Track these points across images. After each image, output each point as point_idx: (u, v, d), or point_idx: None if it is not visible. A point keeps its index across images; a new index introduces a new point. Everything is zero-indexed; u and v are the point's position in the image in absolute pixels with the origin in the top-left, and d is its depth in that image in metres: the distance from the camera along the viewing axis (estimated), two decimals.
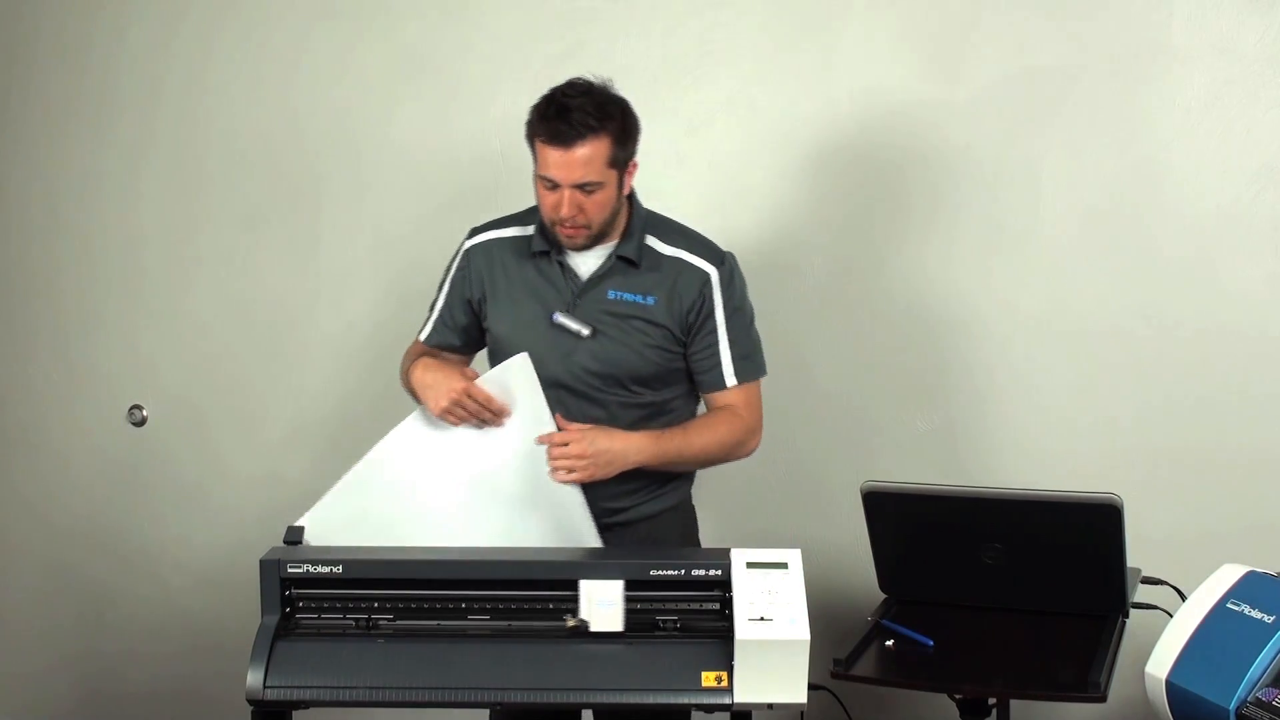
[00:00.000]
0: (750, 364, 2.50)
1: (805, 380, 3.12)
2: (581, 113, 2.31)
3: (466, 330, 2.57)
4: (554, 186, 2.34)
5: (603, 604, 2.10)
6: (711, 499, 3.11)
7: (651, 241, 2.46)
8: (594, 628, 2.09)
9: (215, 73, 3.30)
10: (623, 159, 2.38)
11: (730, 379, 2.47)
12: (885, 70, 3.00)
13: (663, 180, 3.11)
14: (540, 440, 2.38)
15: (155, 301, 3.39)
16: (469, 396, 2.35)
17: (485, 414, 2.37)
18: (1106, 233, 2.94)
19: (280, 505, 3.27)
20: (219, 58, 3.30)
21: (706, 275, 2.45)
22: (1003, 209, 2.99)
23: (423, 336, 2.59)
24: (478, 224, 2.57)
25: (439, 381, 2.38)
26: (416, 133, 3.22)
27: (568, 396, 2.44)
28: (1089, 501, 2.26)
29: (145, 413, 3.42)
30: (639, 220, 2.47)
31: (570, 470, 2.37)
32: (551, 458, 2.37)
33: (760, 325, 3.05)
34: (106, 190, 3.39)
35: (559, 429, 2.39)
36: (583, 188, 2.33)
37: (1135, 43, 2.89)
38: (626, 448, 2.39)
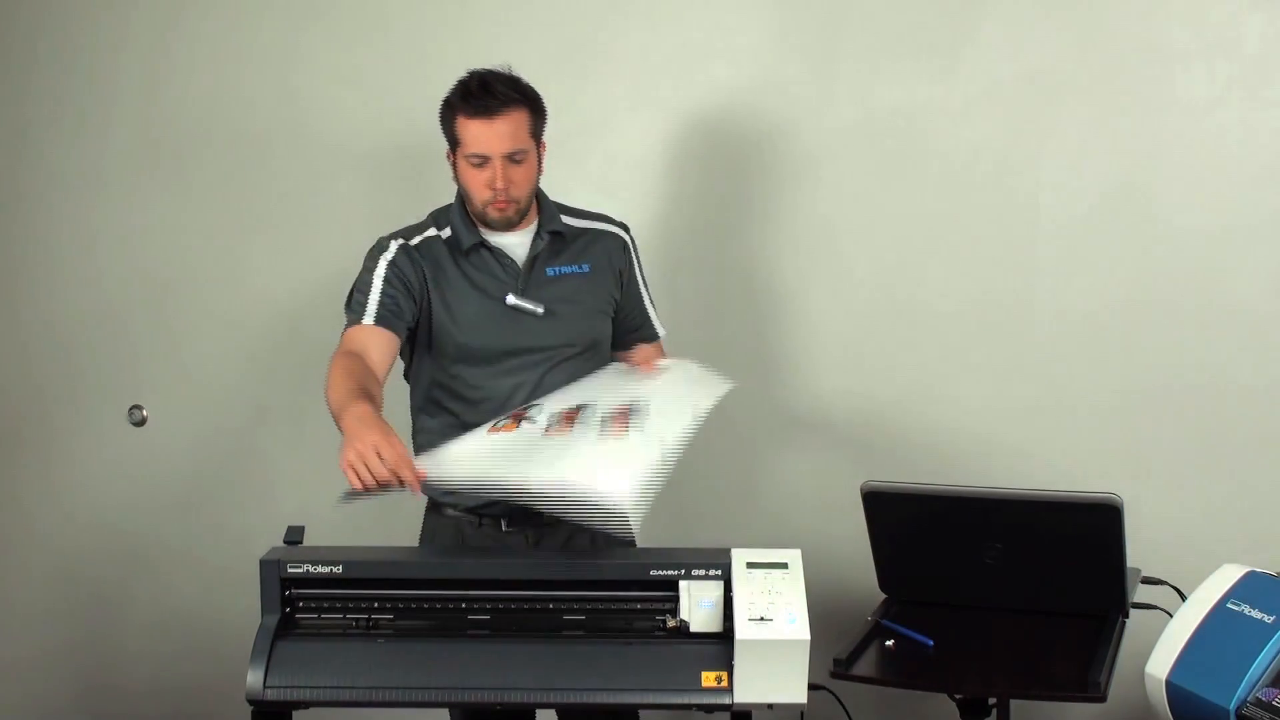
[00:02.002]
0: (658, 318, 2.71)
1: (805, 380, 3.12)
2: (502, 85, 2.43)
3: (408, 310, 2.46)
4: (483, 162, 2.43)
5: (703, 604, 2.10)
6: (712, 499, 3.12)
7: (565, 219, 2.59)
8: (695, 628, 2.10)
9: (215, 73, 3.30)
10: (539, 132, 2.49)
11: (661, 330, 2.69)
12: (885, 70, 3.00)
13: (662, 180, 3.12)
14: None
15: (155, 301, 3.39)
16: (378, 455, 2.10)
17: (392, 479, 2.11)
18: (1107, 233, 2.94)
19: (280, 505, 3.29)
20: (219, 59, 3.30)
21: (624, 240, 2.63)
22: (1003, 209, 2.99)
23: (367, 319, 2.43)
24: (384, 235, 2.53)
25: (364, 427, 2.16)
26: (415, 133, 3.22)
27: (532, 378, 2.50)
28: (1089, 501, 2.26)
29: (145, 413, 3.42)
30: (548, 201, 2.59)
31: None
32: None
33: (759, 324, 3.07)
34: (106, 190, 3.38)
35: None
36: (511, 157, 2.43)
37: (1135, 43, 2.89)
38: None
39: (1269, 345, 2.87)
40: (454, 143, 2.47)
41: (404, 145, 3.25)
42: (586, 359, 2.57)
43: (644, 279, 2.67)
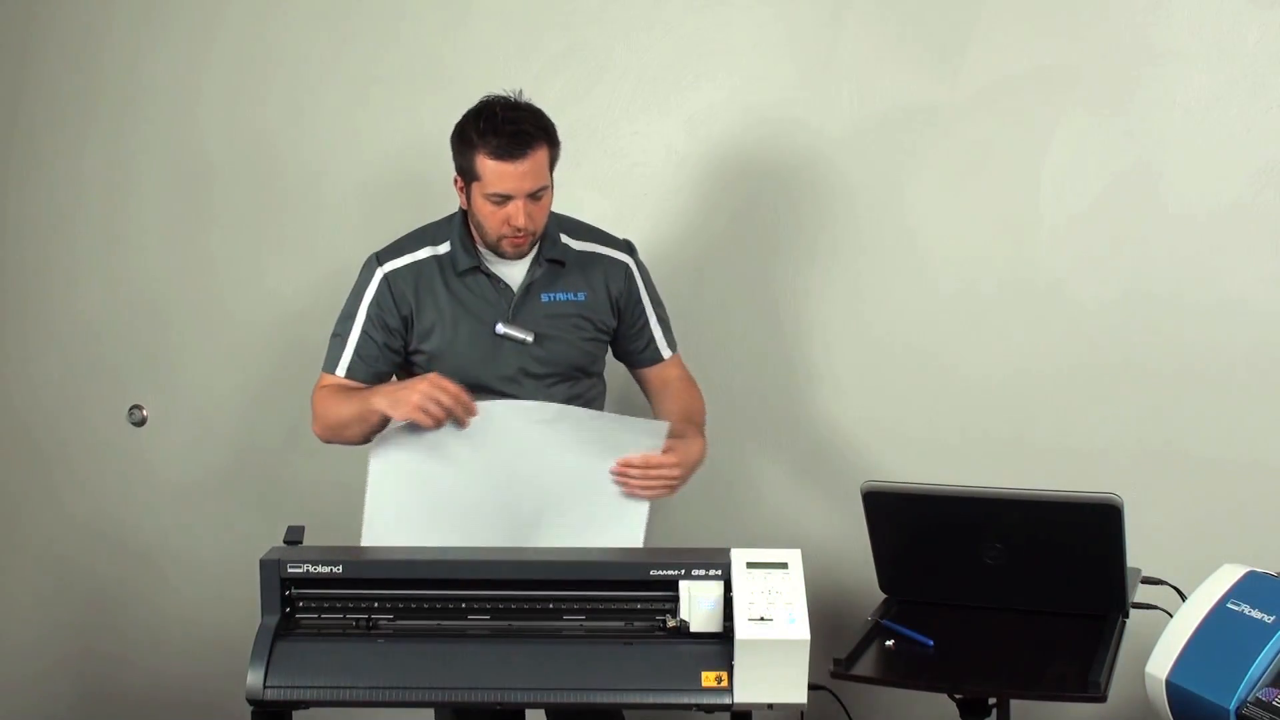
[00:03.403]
0: (671, 335, 2.69)
1: (805, 380, 3.12)
2: (528, 124, 2.38)
3: (387, 359, 2.52)
4: (503, 201, 2.38)
5: (703, 604, 2.10)
6: (712, 499, 3.11)
7: (566, 240, 2.55)
8: (695, 628, 2.09)
9: (214, 73, 3.30)
10: (555, 162, 2.45)
11: (665, 351, 2.66)
12: (885, 70, 3.00)
13: (662, 179, 3.12)
14: (638, 462, 2.40)
15: (155, 301, 3.39)
16: (441, 390, 2.32)
17: (457, 409, 2.33)
18: (1106, 232, 2.94)
19: (280, 506, 3.29)
20: (213, 59, 3.30)
21: (626, 265, 2.60)
22: (1002, 209, 2.99)
23: (340, 370, 2.51)
24: (378, 250, 2.54)
25: (406, 384, 2.37)
26: (413, 134, 3.22)
27: (515, 390, 2.50)
28: (1089, 501, 2.26)
29: (145, 413, 3.42)
30: (552, 223, 2.53)
31: (666, 486, 2.43)
32: (648, 477, 2.40)
33: (760, 324, 3.06)
34: (106, 190, 3.39)
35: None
36: (534, 195, 2.39)
37: (1135, 43, 2.89)
38: (698, 449, 2.50)
39: (1270, 344, 2.87)
40: (470, 176, 2.41)
41: (404, 147, 3.25)
42: (573, 386, 2.55)
43: (652, 298, 2.64)
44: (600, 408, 2.63)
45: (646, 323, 2.63)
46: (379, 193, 3.27)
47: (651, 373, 2.67)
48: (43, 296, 3.46)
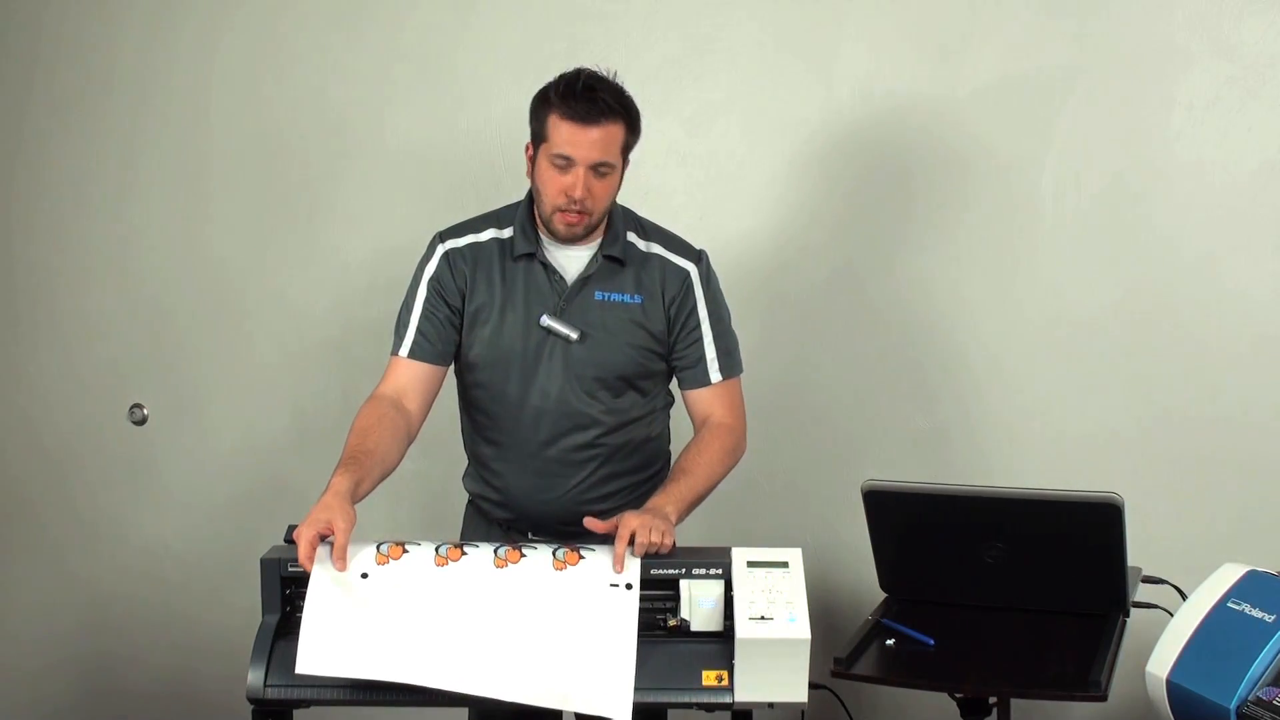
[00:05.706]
0: (731, 360, 2.50)
1: (806, 380, 3.12)
2: (606, 93, 2.32)
3: (450, 338, 2.44)
4: (567, 166, 2.32)
5: (704, 603, 2.09)
6: (712, 499, 3.11)
7: (632, 238, 2.47)
8: (695, 627, 2.09)
9: (216, 71, 3.31)
10: (629, 148, 2.39)
11: (715, 375, 2.47)
12: (885, 70, 3.01)
13: (662, 179, 3.13)
14: (602, 527, 2.20)
15: (155, 301, 3.39)
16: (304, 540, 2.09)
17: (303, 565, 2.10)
18: (1107, 232, 2.94)
19: (280, 505, 3.29)
20: (220, 57, 3.30)
21: (687, 272, 2.47)
22: (1003, 209, 2.99)
23: (403, 352, 2.42)
24: (443, 228, 2.49)
25: (318, 510, 2.13)
26: (417, 132, 3.23)
27: (551, 405, 2.42)
28: (1090, 500, 2.26)
29: (145, 412, 3.42)
30: (620, 218, 2.47)
31: (661, 539, 2.16)
32: (638, 547, 2.14)
33: (760, 324, 3.05)
34: (107, 189, 3.39)
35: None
36: (597, 169, 2.33)
37: (1135, 42, 2.89)
38: (661, 503, 2.28)
39: (1269, 343, 2.87)
40: (539, 138, 2.35)
41: (405, 145, 3.25)
42: (616, 398, 2.44)
43: (713, 314, 2.48)
44: (647, 429, 2.52)
45: (699, 338, 2.46)
46: (377, 191, 3.27)
47: (697, 398, 2.48)
48: (44, 295, 3.46)
